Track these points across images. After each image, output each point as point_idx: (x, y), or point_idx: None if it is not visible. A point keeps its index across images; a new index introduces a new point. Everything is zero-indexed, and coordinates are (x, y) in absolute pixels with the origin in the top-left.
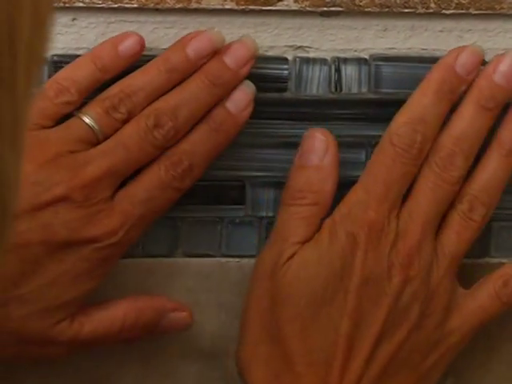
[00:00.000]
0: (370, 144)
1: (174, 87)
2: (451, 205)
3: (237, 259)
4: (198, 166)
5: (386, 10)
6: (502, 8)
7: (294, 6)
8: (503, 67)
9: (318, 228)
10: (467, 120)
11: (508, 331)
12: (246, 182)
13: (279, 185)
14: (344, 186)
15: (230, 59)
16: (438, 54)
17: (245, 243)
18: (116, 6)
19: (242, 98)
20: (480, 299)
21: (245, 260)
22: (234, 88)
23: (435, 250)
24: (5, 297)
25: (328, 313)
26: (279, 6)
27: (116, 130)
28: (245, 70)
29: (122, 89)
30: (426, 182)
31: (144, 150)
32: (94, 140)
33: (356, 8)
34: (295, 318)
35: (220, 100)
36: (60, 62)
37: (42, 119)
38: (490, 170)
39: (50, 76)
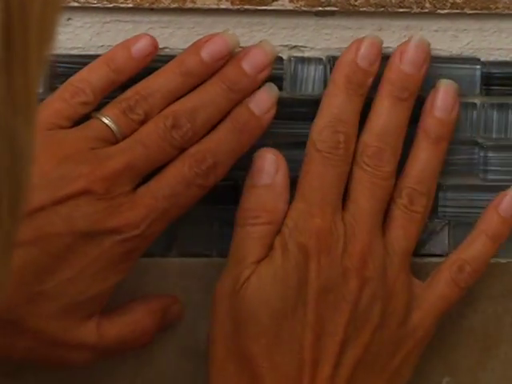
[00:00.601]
0: None
1: (190, 90)
2: (391, 200)
3: None
4: (222, 164)
5: (381, 9)
6: (497, 8)
7: (289, 6)
8: (409, 55)
9: (270, 247)
10: (385, 115)
11: (505, 331)
12: (240, 182)
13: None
14: None
15: (247, 65)
16: (433, 53)
17: None
18: (111, 5)
19: (266, 99)
20: (438, 289)
21: None
22: (251, 93)
23: (385, 247)
24: (28, 292)
25: (290, 327)
26: (274, 6)
27: (134, 131)
28: (263, 76)
29: (138, 91)
30: (362, 183)
31: (162, 148)
32: (113, 139)
33: (351, 8)
34: (259, 336)
35: (237, 104)
36: (55, 62)
37: (59, 119)
38: (422, 159)
39: (46, 76)
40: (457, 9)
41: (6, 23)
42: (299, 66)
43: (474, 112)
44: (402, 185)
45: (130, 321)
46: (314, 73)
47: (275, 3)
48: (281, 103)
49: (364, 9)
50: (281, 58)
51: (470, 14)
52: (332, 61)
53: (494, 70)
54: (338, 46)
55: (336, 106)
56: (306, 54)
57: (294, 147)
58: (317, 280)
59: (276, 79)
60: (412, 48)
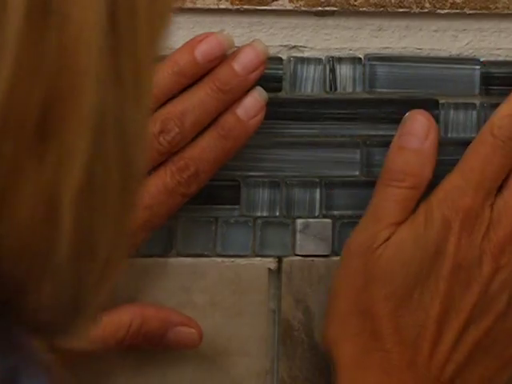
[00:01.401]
0: (365, 144)
1: (182, 89)
2: None
3: (231, 259)
4: (204, 172)
5: (381, 9)
6: (496, 8)
7: (289, 6)
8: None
9: (412, 212)
10: None
11: None
12: (240, 182)
13: (274, 184)
14: (338, 185)
15: (238, 65)
16: (432, 53)
17: (239, 243)
18: None
19: (253, 104)
20: None
21: (239, 260)
22: (243, 94)
23: None
24: None
25: (420, 295)
26: (274, 6)
27: None
28: (254, 76)
29: None
30: None
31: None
32: None
33: (351, 8)
34: (389, 297)
35: (229, 105)
36: None
37: None
38: None
39: None
40: (456, 9)
41: (110, 8)
42: (299, 66)
43: (474, 112)
44: None
45: (115, 321)
46: (313, 73)
47: (275, 3)
48: (280, 103)
49: (364, 9)
50: (280, 58)
51: (469, 14)
52: (332, 61)
53: (493, 70)
54: (338, 46)
55: None
56: (306, 54)
57: (292, 147)
58: (454, 256)
59: (275, 79)
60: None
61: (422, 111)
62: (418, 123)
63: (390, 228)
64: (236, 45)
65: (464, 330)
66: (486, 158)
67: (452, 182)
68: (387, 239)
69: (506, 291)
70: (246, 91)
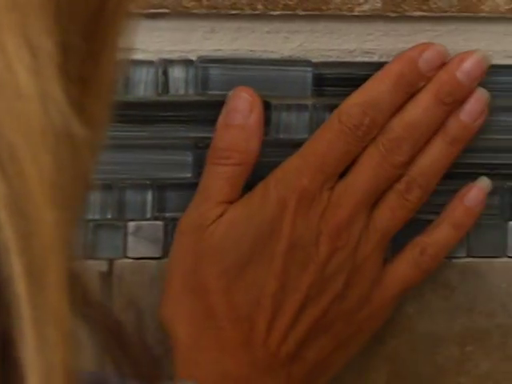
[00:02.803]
0: (197, 146)
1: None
2: (390, 186)
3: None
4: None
5: (213, 11)
6: (328, 9)
7: None
8: (467, 65)
9: (242, 188)
10: (422, 109)
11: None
12: None
13: (106, 187)
14: (170, 187)
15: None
16: (264, 55)
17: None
18: None
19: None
20: (400, 269)
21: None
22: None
23: (367, 225)
24: None
25: (254, 272)
26: None
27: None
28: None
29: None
30: (370, 160)
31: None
32: None
33: (183, 10)
34: (222, 275)
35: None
36: None
37: None
38: (432, 155)
39: None
40: (289, 10)
41: None
42: (131, 69)
43: (306, 113)
44: (404, 172)
45: None
46: (145, 75)
47: None
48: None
49: (196, 11)
50: None
51: (301, 16)
52: (164, 63)
53: (325, 72)
54: (170, 48)
55: (377, 91)
56: (138, 57)
57: (124, 150)
58: (289, 235)
59: None
60: (472, 60)
61: (245, 88)
62: (241, 100)
63: (221, 206)
64: None
65: (301, 308)
66: (329, 143)
67: (292, 162)
68: (220, 216)
69: (342, 272)
70: None
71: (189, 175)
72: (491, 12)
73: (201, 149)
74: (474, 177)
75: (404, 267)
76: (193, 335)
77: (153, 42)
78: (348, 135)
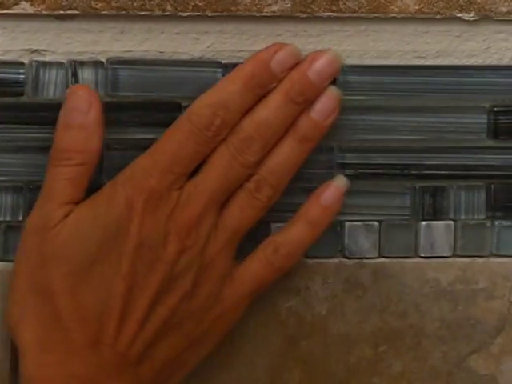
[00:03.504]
0: (108, 147)
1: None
2: (241, 185)
3: None
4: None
5: (123, 12)
6: (238, 10)
7: (30, 10)
8: (318, 65)
9: (86, 187)
10: (272, 109)
11: (249, 331)
12: None
13: (18, 189)
14: None
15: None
16: (174, 56)
17: None
18: None
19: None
20: (252, 268)
21: None
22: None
23: (216, 224)
24: None
25: (101, 272)
26: (15, 10)
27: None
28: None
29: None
30: (220, 159)
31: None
32: None
33: (92, 11)
34: (67, 275)
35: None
36: None
37: None
38: (282, 154)
39: None
40: (198, 11)
41: None
42: (41, 70)
43: None
44: (254, 171)
45: None
46: (55, 77)
47: (16, 7)
48: (22, 108)
49: (105, 12)
50: (22, 63)
51: (211, 17)
52: (74, 65)
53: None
54: (80, 49)
55: (228, 92)
56: (48, 58)
57: (36, 151)
58: (137, 235)
59: (17, 83)
60: (324, 59)
61: (81, 85)
62: (78, 98)
63: (65, 207)
64: None
65: (150, 308)
66: (179, 143)
67: (141, 162)
68: (66, 217)
69: (190, 272)
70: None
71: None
72: (401, 13)
73: (112, 150)
74: (385, 177)
75: (256, 266)
76: (40, 337)
77: (62, 44)
78: (198, 136)
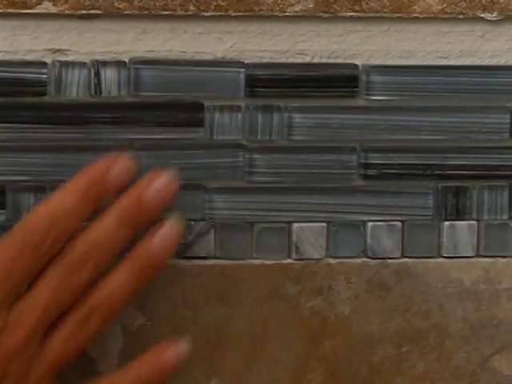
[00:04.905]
0: (132, 147)
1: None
2: (70, 309)
3: None
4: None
5: (145, 12)
6: (260, 10)
7: (53, 9)
8: (153, 190)
9: None
10: (105, 230)
11: (271, 333)
12: (6, 187)
13: (40, 189)
14: None
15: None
16: (197, 56)
17: None
18: None
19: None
20: None
21: None
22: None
23: (41, 350)
24: None
25: None
26: (37, 9)
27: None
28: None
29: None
30: (52, 279)
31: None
32: None
33: (115, 11)
34: None
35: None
36: None
37: None
38: (118, 282)
39: None
40: (221, 11)
41: None
42: (63, 70)
43: (239, 114)
44: (86, 299)
45: None
46: (78, 77)
47: (38, 6)
48: (44, 108)
49: (128, 12)
50: (44, 63)
51: (233, 16)
52: (96, 65)
53: (258, 72)
54: (103, 49)
55: (63, 204)
56: (70, 58)
57: (58, 151)
58: None
59: (40, 83)
60: (159, 184)
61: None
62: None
63: None
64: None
65: None
66: (12, 259)
67: None
68: None
69: None
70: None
71: None
72: (423, 12)
73: (136, 150)
74: (408, 177)
75: None
76: None
77: (85, 44)
78: (33, 251)
